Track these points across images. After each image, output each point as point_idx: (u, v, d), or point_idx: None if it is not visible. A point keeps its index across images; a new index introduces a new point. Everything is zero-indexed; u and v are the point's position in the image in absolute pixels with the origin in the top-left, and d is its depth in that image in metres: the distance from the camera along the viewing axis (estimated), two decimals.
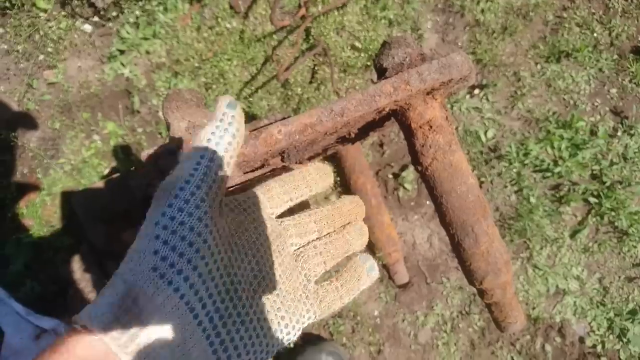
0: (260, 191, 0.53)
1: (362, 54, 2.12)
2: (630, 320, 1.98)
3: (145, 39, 2.12)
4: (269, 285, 0.44)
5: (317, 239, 0.53)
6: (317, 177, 0.59)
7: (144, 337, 0.34)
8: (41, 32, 2.04)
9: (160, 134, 2.07)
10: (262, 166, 0.95)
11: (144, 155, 0.84)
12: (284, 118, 1.52)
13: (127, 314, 0.34)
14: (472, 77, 1.09)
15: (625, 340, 1.96)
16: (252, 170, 0.92)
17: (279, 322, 0.43)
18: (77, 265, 1.98)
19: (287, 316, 0.44)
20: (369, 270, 0.54)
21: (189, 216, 0.38)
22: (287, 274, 0.46)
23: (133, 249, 0.39)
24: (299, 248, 0.51)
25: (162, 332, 0.34)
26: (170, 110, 0.92)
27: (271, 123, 1.40)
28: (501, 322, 1.10)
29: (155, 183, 0.81)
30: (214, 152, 0.42)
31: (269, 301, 0.43)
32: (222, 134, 0.43)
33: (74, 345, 0.34)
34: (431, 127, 1.00)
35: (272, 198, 0.53)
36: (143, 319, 0.34)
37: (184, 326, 0.36)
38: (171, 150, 0.83)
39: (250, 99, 2.08)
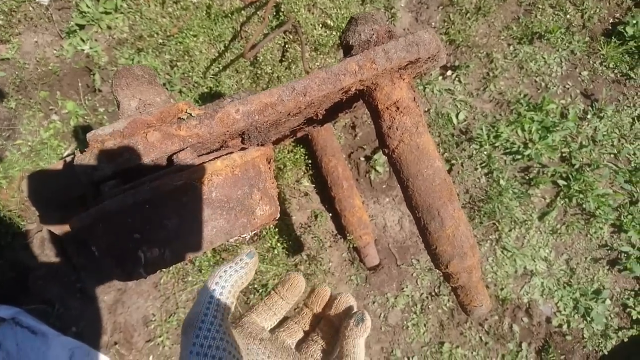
0: (252, 315, 0.66)
1: (334, 32, 2.06)
2: (594, 299, 2.03)
3: (107, 13, 2.01)
4: None
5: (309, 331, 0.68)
6: (290, 293, 0.69)
7: None
8: None
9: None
10: (220, 148, 0.90)
11: (90, 136, 0.78)
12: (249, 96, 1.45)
13: None
14: (441, 57, 1.06)
15: (589, 319, 2.00)
16: (208, 153, 0.87)
17: None
18: (37, 251, 1.91)
19: None
20: (358, 322, 0.63)
21: (213, 340, 0.50)
22: None
23: None
24: (300, 343, 0.66)
25: None
26: (120, 87, 0.86)
27: (231, 102, 1.33)
28: (467, 306, 1.10)
29: (101, 167, 0.75)
30: (223, 288, 0.55)
31: None
32: (232, 274, 0.57)
33: None
34: (398, 108, 0.97)
35: (260, 316, 0.67)
36: None
37: None
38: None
39: (218, 77, 2.01)
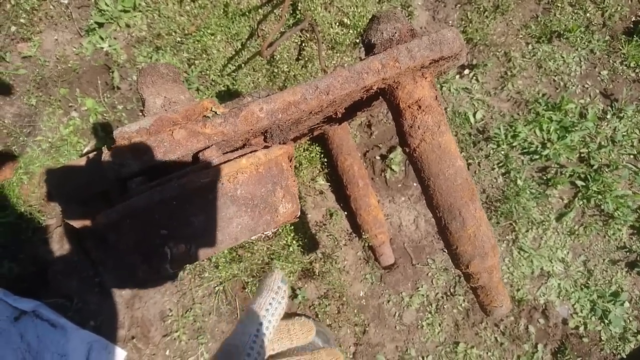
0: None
1: (351, 31, 2.06)
2: (612, 302, 2.00)
3: (125, 11, 2.03)
4: None
5: None
6: (300, 333, 0.67)
7: None
8: (12, 2, 1.94)
9: (142, 111, 2.00)
10: (243, 146, 0.91)
11: (117, 133, 0.79)
12: (268, 95, 1.46)
13: None
14: (463, 56, 1.05)
15: (607, 321, 1.98)
16: (232, 151, 0.88)
17: None
18: (57, 246, 1.94)
19: None
20: None
21: None
22: None
23: None
24: None
25: None
26: (145, 85, 0.87)
27: (255, 100, 1.34)
28: (487, 306, 1.09)
29: (128, 163, 0.76)
30: (269, 323, 0.58)
31: None
32: (277, 307, 0.59)
33: None
34: (420, 107, 0.96)
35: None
36: None
37: None
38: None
39: (235, 76, 2.02)
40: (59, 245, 1.90)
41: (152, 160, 0.75)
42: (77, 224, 1.34)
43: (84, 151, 1.97)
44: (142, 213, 0.69)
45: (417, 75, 0.95)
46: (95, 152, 1.28)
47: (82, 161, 1.24)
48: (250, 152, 0.80)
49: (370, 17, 0.97)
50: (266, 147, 0.87)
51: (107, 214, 0.70)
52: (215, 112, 0.79)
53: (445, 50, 0.89)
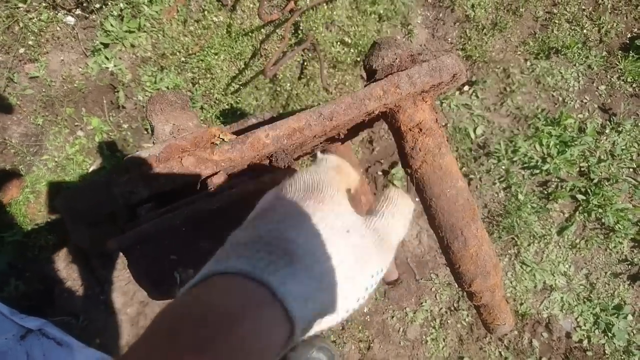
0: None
1: (352, 50, 2.09)
2: (616, 315, 2.01)
3: (130, 32, 2.07)
4: None
5: None
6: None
7: None
8: (21, 24, 1.98)
9: (146, 129, 2.03)
10: (249, 169, 0.93)
11: (128, 161, 0.82)
12: (272, 117, 1.49)
13: None
14: (462, 78, 1.08)
15: (610, 334, 1.98)
16: (238, 174, 0.90)
17: None
18: (63, 264, 1.95)
19: None
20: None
21: None
22: None
23: None
24: None
25: None
26: (154, 112, 0.90)
27: (259, 122, 1.37)
28: (490, 324, 1.10)
29: (138, 190, 0.79)
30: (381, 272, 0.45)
31: None
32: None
33: None
34: (421, 129, 0.99)
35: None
36: None
37: None
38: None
39: (238, 94, 2.05)
40: (65, 264, 1.92)
41: (161, 187, 0.77)
42: (82, 244, 1.36)
43: (90, 170, 2.00)
44: (153, 239, 0.72)
45: (418, 99, 0.98)
46: (102, 175, 1.31)
47: (87, 184, 1.26)
48: (257, 177, 0.82)
49: (371, 44, 1.00)
50: (271, 170, 0.90)
51: (119, 240, 0.72)
52: (223, 139, 0.81)
53: (444, 76, 0.92)
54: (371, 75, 1.02)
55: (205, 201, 0.72)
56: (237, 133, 1.37)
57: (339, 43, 2.12)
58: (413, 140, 0.99)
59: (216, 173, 0.79)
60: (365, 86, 0.95)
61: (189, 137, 0.80)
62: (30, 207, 1.93)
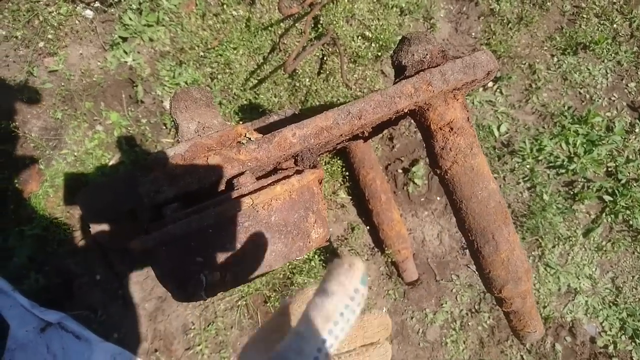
0: None
1: (373, 44, 2.05)
2: None
3: (149, 25, 2.05)
4: None
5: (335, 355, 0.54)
6: (376, 330, 0.60)
7: None
8: (40, 18, 1.98)
9: (165, 124, 2.02)
10: (274, 169, 0.91)
11: (153, 159, 0.79)
12: (294, 114, 1.46)
13: None
14: (493, 75, 1.04)
15: (638, 341, 1.92)
16: (264, 175, 0.87)
17: None
18: (81, 259, 1.96)
19: None
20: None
21: None
22: None
23: None
24: None
25: None
26: (178, 110, 0.87)
27: (281, 119, 1.34)
28: (520, 331, 1.07)
29: (163, 190, 0.76)
30: (336, 339, 0.42)
31: None
32: (350, 318, 0.43)
33: None
34: (452, 129, 0.95)
35: None
36: None
37: None
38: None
39: (257, 90, 2.02)
40: (84, 258, 1.92)
41: (187, 186, 0.75)
42: (103, 240, 1.35)
43: (109, 164, 1.99)
44: (179, 240, 0.69)
45: (449, 97, 0.94)
46: (122, 169, 1.30)
47: (107, 181, 1.25)
48: (284, 178, 0.80)
49: (400, 39, 0.96)
50: (298, 171, 0.87)
51: (144, 241, 0.70)
52: (249, 138, 0.79)
53: (479, 73, 0.88)
54: (400, 72, 0.98)
55: (233, 203, 0.70)
56: (259, 130, 1.34)
57: (359, 37, 2.07)
58: (443, 140, 0.95)
59: (242, 173, 0.76)
60: (394, 83, 0.91)
61: (215, 136, 0.77)
62: (50, 201, 1.93)
